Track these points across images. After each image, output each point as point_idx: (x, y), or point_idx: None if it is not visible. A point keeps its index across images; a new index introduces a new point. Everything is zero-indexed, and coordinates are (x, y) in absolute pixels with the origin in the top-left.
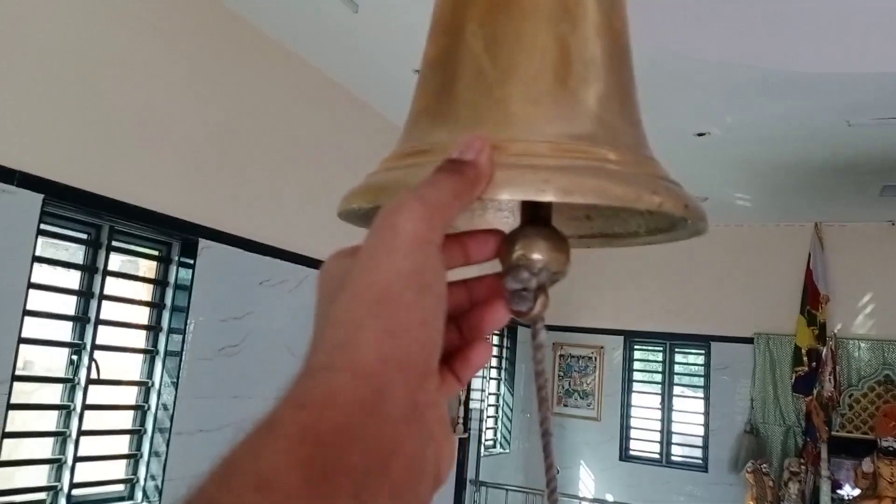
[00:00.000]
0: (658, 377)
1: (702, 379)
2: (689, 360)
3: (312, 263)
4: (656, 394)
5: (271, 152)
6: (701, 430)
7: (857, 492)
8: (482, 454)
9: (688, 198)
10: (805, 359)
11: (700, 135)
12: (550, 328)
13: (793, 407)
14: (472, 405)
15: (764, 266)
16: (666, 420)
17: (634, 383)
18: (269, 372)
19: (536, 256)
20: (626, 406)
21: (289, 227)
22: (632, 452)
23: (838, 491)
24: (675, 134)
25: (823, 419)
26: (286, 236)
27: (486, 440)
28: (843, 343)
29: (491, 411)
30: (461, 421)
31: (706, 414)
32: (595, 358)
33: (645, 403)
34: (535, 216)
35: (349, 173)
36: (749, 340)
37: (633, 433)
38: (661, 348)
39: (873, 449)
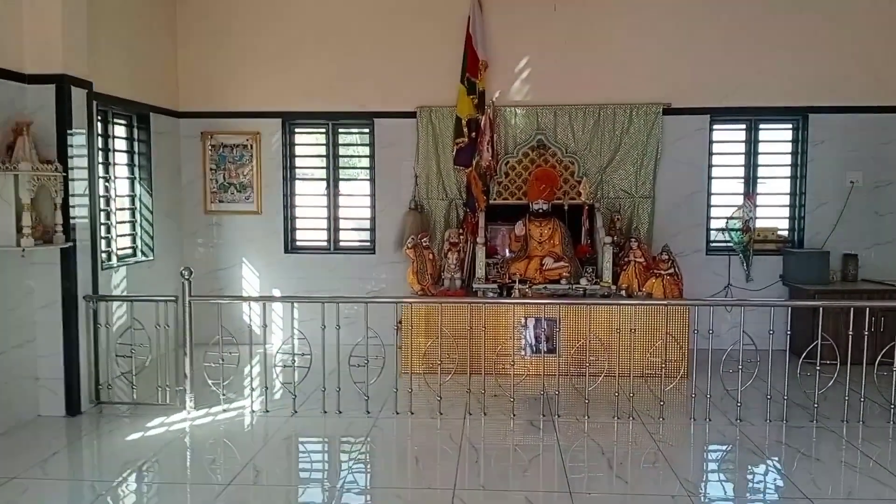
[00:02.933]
0: (322, 161)
1: (367, 160)
2: (353, 141)
3: None
4: (321, 179)
5: None
6: (368, 213)
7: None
8: (104, 266)
9: None
10: (465, 130)
11: None
12: (195, 115)
13: (454, 180)
14: (77, 211)
15: (426, 34)
16: (332, 206)
17: (297, 170)
18: None
19: None
20: (289, 195)
21: None
22: (298, 243)
23: (495, 256)
24: None
25: (482, 189)
26: None
27: (119, 248)
28: (500, 111)
29: (126, 216)
30: (59, 229)
31: (372, 196)
32: (251, 146)
33: (309, 191)
34: None
35: None
36: (412, 115)
37: (298, 223)
38: (324, 129)
39: (527, 213)
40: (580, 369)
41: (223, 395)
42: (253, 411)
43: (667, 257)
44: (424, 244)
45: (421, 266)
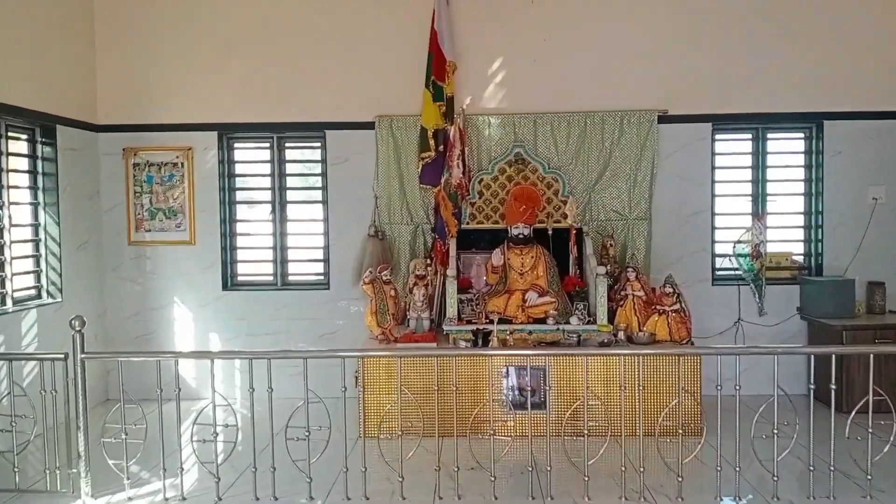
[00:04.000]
0: (266, 181)
1: (319, 179)
2: (302, 156)
3: None
4: (266, 202)
5: None
6: (321, 241)
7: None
8: None
9: None
10: (431, 142)
11: None
12: (117, 128)
13: (420, 201)
14: None
15: (385, 31)
16: (279, 234)
17: (237, 192)
18: None
19: None
20: (227, 222)
21: None
22: (239, 279)
23: (470, 290)
24: None
25: (452, 211)
26: None
27: (17, 289)
28: (472, 120)
29: (27, 249)
30: None
31: (325, 221)
32: (182, 163)
33: (252, 216)
34: None
35: None
36: (370, 126)
37: (239, 255)
38: (268, 144)
39: (505, 239)
40: (575, 429)
41: (127, 478)
42: (166, 499)
43: (671, 290)
44: (385, 278)
45: (381, 304)
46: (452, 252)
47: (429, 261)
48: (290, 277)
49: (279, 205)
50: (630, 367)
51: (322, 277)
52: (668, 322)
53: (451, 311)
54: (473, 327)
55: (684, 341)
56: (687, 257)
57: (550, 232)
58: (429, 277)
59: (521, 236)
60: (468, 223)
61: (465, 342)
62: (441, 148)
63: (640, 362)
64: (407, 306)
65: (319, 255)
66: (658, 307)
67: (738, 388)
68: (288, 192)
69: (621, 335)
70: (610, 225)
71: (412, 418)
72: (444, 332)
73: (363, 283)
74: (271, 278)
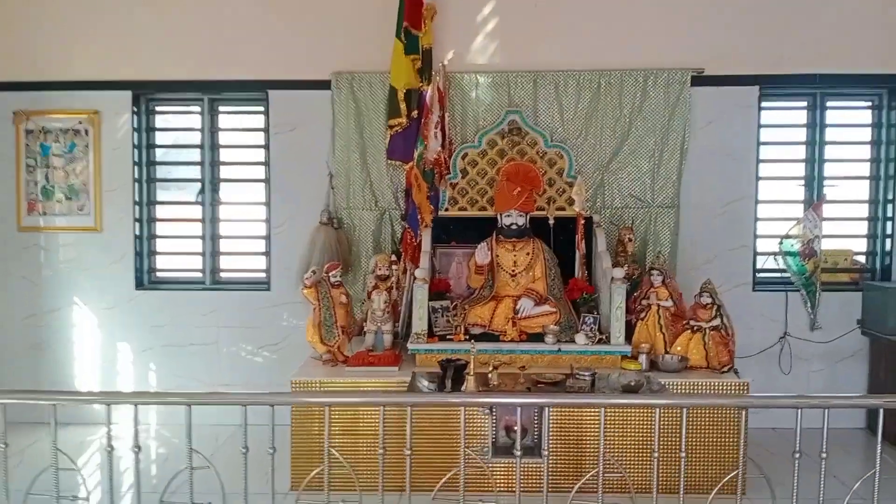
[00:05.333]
0: (195, 154)
1: (262, 151)
2: (240, 124)
3: None
4: (194, 180)
5: None
6: (262, 230)
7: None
8: None
9: None
10: (403, 106)
11: None
12: (4, 87)
13: (388, 181)
14: None
15: None
16: (209, 220)
17: (157, 168)
18: None
19: None
20: (144, 205)
21: None
22: (158, 275)
23: (448, 295)
24: None
25: (427, 194)
26: None
27: None
28: (455, 79)
29: None
30: None
31: (267, 205)
32: (87, 131)
33: (175, 198)
34: None
35: None
36: (325, 85)
37: (158, 245)
38: (197, 107)
39: (494, 231)
40: (587, 489)
41: None
42: None
43: (710, 301)
44: (333, 280)
45: (326, 315)
46: (426, 246)
47: (394, 257)
48: (223, 275)
49: (210, 184)
50: (668, 422)
51: (263, 275)
52: (705, 342)
53: (420, 324)
54: (446, 349)
55: (725, 368)
56: (723, 255)
57: (552, 222)
58: (394, 278)
59: (514, 227)
60: (447, 209)
61: (429, 382)
62: (415, 114)
63: (684, 415)
64: (364, 316)
65: (260, 246)
66: (692, 322)
67: (823, 455)
68: (221, 168)
69: (643, 359)
70: (628, 214)
71: (354, 477)
72: (410, 352)
73: (303, 286)
74: (199, 275)
